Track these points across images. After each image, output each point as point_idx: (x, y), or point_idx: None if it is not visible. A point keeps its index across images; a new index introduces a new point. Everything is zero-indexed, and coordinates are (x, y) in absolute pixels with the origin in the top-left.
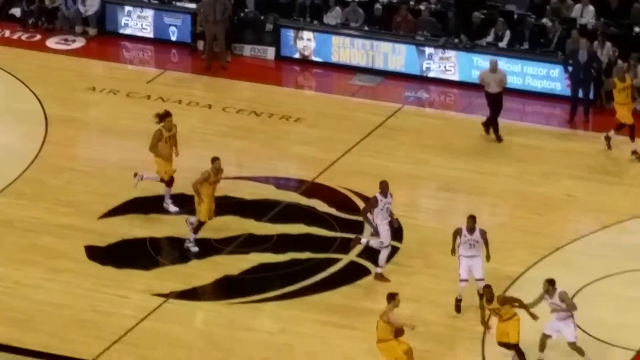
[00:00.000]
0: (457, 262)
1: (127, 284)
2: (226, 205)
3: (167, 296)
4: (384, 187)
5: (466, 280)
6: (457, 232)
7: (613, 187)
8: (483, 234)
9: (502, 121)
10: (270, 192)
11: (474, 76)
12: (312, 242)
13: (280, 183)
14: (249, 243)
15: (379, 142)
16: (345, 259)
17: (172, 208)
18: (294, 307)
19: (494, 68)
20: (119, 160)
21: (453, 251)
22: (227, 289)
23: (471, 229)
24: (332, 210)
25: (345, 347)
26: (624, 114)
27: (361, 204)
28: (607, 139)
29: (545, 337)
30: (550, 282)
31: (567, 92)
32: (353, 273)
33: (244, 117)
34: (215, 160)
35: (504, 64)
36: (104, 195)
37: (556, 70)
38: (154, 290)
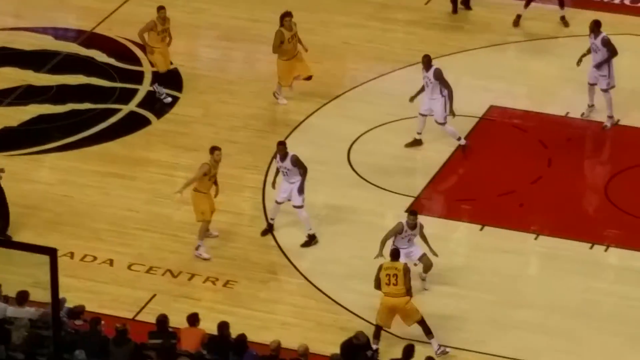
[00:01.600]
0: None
1: None
2: (4, 57)
3: None
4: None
5: (279, 203)
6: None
7: (388, 35)
8: (294, 161)
9: None
10: (48, 43)
11: None
12: (91, 93)
13: (59, 33)
14: (28, 94)
15: None
16: (125, 109)
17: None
18: (74, 159)
19: None
20: None
21: (274, 184)
22: (6, 140)
23: (282, 156)
24: (112, 61)
25: (126, 197)
26: None
27: (140, 54)
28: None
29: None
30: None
31: None
32: (133, 123)
33: None
34: (160, 9)
35: None
36: None
37: None
38: None
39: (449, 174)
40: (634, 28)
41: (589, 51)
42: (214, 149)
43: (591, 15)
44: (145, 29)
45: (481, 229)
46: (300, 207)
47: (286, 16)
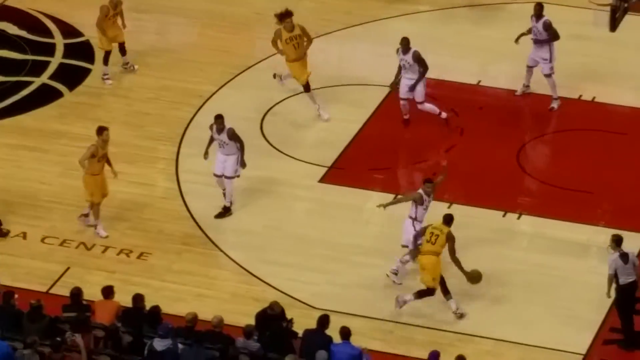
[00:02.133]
0: None
1: None
2: None
3: None
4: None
5: (219, 176)
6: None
7: (300, 5)
8: (231, 135)
9: None
10: None
11: None
12: (3, 66)
13: None
14: None
15: None
16: (37, 81)
17: (325, 115)
18: None
19: None
20: None
21: (205, 155)
22: None
23: (220, 129)
24: (23, 33)
25: (39, 170)
26: None
27: (52, 26)
28: None
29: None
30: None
31: None
32: (45, 96)
33: None
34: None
35: None
36: None
37: None
38: None
39: (362, 144)
40: None
41: (529, 31)
42: (101, 129)
43: None
44: (101, 17)
45: (395, 198)
46: (231, 178)
47: (286, 16)
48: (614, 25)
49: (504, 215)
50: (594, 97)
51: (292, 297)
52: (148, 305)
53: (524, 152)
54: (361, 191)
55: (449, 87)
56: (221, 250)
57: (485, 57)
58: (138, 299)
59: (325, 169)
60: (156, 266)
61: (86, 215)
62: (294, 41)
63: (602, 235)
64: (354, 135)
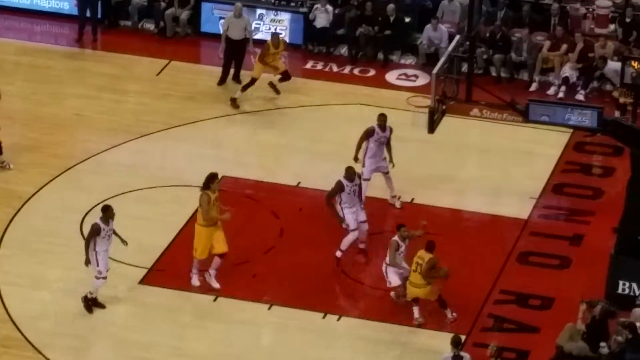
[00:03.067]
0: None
1: None
2: None
3: None
4: (350, 173)
5: (104, 278)
6: (96, 229)
7: (120, 106)
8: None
9: (10, 41)
10: None
11: None
12: None
13: None
14: None
15: None
16: None
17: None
18: None
19: (238, 13)
20: None
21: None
22: None
23: (110, 219)
24: None
25: None
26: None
27: None
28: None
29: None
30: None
31: (75, 11)
32: None
33: None
34: None
35: None
36: None
37: None
38: None
39: (182, 245)
40: (363, 98)
41: (375, 143)
42: None
43: (320, 84)
44: None
45: (215, 300)
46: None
47: (215, 178)
48: (432, 127)
49: (324, 317)
50: (412, 199)
51: None
52: None
53: (344, 253)
54: (181, 292)
55: (269, 189)
56: (40, 353)
57: (304, 159)
58: None
59: (146, 270)
60: None
61: None
62: (217, 202)
63: (420, 336)
64: (174, 236)
